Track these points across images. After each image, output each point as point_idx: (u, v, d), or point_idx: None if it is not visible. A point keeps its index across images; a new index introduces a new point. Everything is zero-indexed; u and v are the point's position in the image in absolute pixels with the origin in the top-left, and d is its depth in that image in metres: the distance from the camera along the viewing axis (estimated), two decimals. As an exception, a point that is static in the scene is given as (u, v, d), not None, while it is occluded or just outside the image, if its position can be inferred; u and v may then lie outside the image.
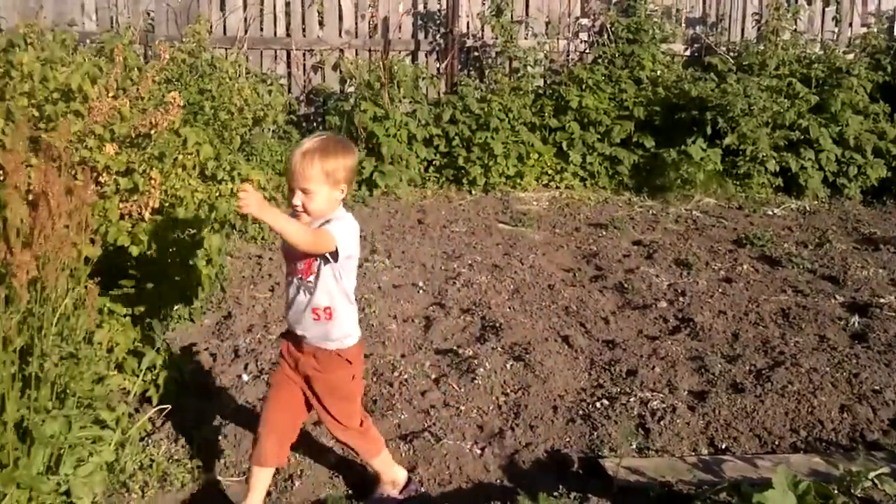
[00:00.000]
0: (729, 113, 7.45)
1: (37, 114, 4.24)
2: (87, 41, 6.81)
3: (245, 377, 3.96)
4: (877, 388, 3.89)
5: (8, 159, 2.67)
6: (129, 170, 4.20)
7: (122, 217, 4.17)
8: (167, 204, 4.37)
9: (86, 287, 2.85)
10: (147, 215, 4.20)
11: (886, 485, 2.93)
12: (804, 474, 2.86)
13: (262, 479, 2.89)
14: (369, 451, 3.03)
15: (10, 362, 2.50)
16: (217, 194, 4.79)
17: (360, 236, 6.23)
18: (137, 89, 4.71)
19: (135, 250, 4.02)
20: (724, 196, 7.64)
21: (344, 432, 2.94)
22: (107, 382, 3.25)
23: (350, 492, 3.12)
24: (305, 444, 3.37)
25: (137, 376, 3.60)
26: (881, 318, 4.73)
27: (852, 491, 2.86)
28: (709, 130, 7.55)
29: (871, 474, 2.96)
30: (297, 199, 2.67)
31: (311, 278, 2.76)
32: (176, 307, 4.27)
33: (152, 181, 4.19)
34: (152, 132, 4.47)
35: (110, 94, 4.41)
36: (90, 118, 4.19)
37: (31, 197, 2.78)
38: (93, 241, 3.89)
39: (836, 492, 2.79)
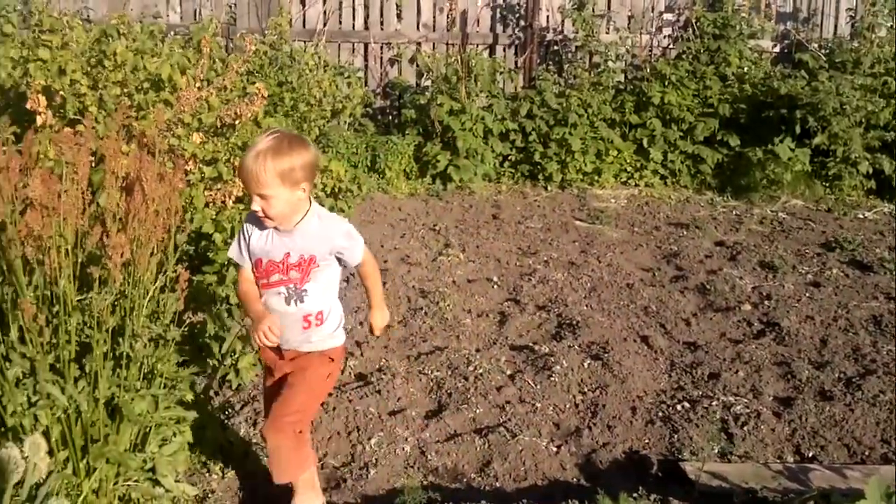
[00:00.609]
0: (820, 112, 7.18)
1: (128, 102, 4.36)
2: (172, 33, 6.98)
3: (322, 365, 4.00)
4: (976, 401, 3.70)
5: (107, 146, 2.74)
6: (213, 159, 4.29)
7: (206, 205, 4.26)
8: (249, 193, 4.44)
9: (175, 271, 2.90)
10: (230, 203, 4.28)
11: None
12: (899, 487, 2.73)
13: (303, 482, 2.79)
14: (298, 462, 2.73)
15: (102, 341, 2.56)
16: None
17: (434, 229, 6.29)
18: (223, 80, 4.80)
19: (218, 237, 4.10)
20: (812, 198, 7.37)
21: (280, 428, 2.65)
22: (191, 365, 3.33)
23: (425, 481, 3.11)
24: (382, 434, 3.39)
25: (219, 361, 3.68)
26: (981, 328, 4.50)
27: (950, 507, 2.72)
28: (797, 129, 7.29)
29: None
30: (256, 205, 2.52)
31: (308, 285, 2.61)
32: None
33: (236, 170, 4.27)
34: (236, 122, 4.56)
35: (197, 85, 4.50)
36: (178, 107, 4.29)
37: (125, 183, 2.85)
38: (180, 229, 4.01)
39: (932, 507, 2.65)
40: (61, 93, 4.21)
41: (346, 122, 7.59)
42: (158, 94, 4.36)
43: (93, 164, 3.28)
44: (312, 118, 6.62)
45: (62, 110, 4.18)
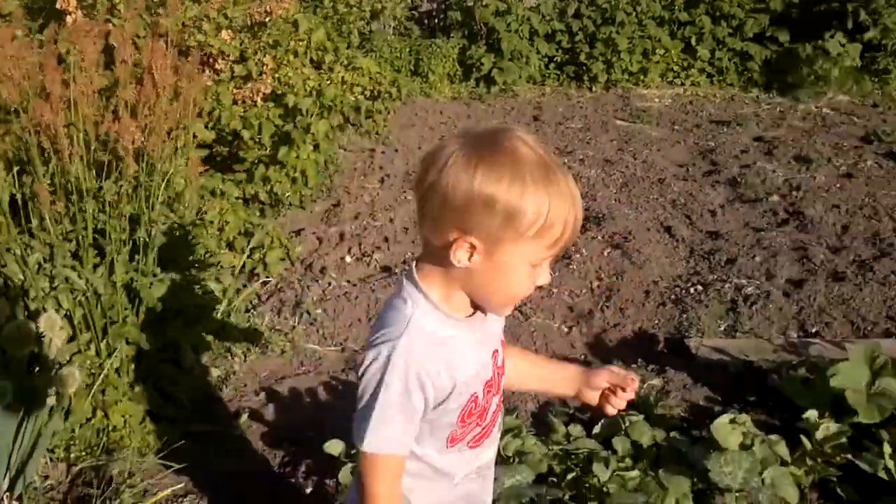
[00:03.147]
0: (872, 4, 6.86)
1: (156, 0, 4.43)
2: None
3: (348, 259, 4.15)
4: None
5: (116, 34, 2.85)
6: (243, 57, 4.36)
7: (234, 103, 4.36)
8: (279, 91, 4.53)
9: (187, 160, 3.02)
10: (259, 101, 4.38)
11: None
12: (894, 357, 2.74)
13: None
14: None
15: (119, 227, 2.68)
16: (328, 82, 4.91)
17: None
18: (254, -21, 4.82)
19: (246, 134, 4.22)
20: (858, 94, 7.07)
21: None
22: (216, 257, 3.48)
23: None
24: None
25: (246, 254, 3.84)
26: None
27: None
28: (850, 24, 6.98)
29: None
30: (546, 277, 1.33)
31: (500, 419, 1.51)
32: (287, 194, 4.45)
33: (265, 67, 4.34)
34: (267, 20, 4.60)
35: (224, -19, 4.53)
36: (207, 5, 4.35)
37: (139, 75, 2.96)
38: (207, 126, 4.11)
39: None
40: (91, -10, 4.28)
41: (389, 25, 7.56)
42: (186, -9, 4.40)
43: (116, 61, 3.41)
44: (351, 20, 6.61)
45: (94, 10, 4.27)
